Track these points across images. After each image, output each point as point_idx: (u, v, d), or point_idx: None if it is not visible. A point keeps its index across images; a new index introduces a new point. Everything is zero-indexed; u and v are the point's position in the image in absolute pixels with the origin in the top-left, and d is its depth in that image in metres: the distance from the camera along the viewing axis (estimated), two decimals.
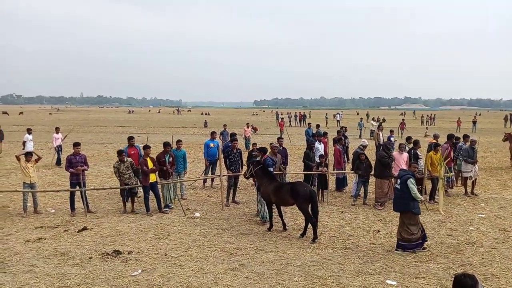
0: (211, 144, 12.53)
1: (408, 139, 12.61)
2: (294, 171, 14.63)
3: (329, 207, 10.59)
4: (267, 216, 8.90)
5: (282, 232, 8.52)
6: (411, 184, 7.40)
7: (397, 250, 7.43)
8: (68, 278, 6.22)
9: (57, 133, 17.48)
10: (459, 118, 44.86)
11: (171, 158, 10.28)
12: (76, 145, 10.20)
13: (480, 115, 75.95)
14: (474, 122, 39.74)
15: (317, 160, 11.93)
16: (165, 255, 7.19)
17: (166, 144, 10.34)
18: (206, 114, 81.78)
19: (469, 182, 12.02)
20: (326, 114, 55.85)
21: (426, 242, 7.53)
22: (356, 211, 10.24)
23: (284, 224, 8.75)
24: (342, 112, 68.32)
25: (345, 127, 20.78)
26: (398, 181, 7.73)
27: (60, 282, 6.11)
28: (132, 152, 10.90)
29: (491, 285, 5.99)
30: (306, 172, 12.45)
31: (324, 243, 7.89)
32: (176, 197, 10.48)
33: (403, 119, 37.63)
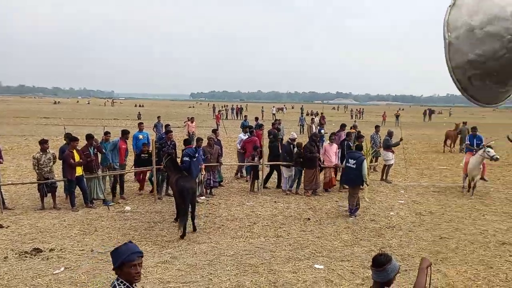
0: (140, 136, 11.99)
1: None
2: (229, 163, 14.70)
3: (263, 197, 10.78)
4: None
5: (215, 223, 8.52)
6: (365, 165, 8.99)
7: (351, 216, 9.00)
8: None
9: None
10: (384, 112, 47.86)
11: (96, 150, 9.79)
12: None
13: (403, 110, 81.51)
14: (397, 116, 42.55)
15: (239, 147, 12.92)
16: (91, 251, 6.86)
17: (89, 137, 9.83)
18: (140, 106, 78.88)
19: (390, 171, 12.97)
20: (263, 107, 56.60)
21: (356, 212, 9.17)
22: (289, 200, 10.54)
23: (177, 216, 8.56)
24: (285, 106, 71.47)
25: (280, 120, 21.20)
26: (352, 160, 9.11)
27: None
28: (122, 147, 10.62)
29: (407, 264, 6.50)
30: (239, 164, 12.78)
31: (257, 232, 8.03)
32: (104, 191, 10.00)
33: (321, 113, 38.42)
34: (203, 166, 10.43)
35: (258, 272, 6.15)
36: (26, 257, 6.55)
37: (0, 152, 9.40)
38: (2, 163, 9.49)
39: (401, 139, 13.01)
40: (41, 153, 9.31)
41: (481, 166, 10.77)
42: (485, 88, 2.03)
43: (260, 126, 16.12)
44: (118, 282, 2.65)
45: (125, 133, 10.81)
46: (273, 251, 7.04)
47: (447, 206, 10.09)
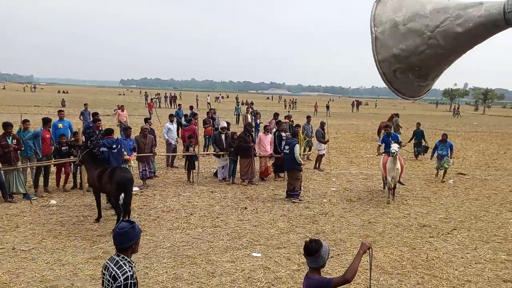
0: (60, 125, 10.99)
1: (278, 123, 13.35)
2: (164, 153, 14.30)
3: (199, 187, 10.66)
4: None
5: (150, 215, 8.26)
6: (297, 148, 9.59)
7: (287, 199, 9.66)
8: None
9: None
10: (316, 103, 49.57)
11: (14, 141, 8.95)
12: None
13: (333, 100, 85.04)
14: (328, 107, 44.43)
15: (171, 140, 12.91)
16: (13, 249, 6.31)
17: (7, 125, 8.95)
18: (64, 92, 73.67)
19: (323, 160, 13.53)
20: (197, 96, 55.77)
21: (300, 196, 9.72)
22: (226, 190, 10.53)
23: (99, 213, 7.96)
24: (221, 95, 70.76)
25: (215, 109, 21.04)
26: (287, 146, 9.74)
27: None
28: (47, 136, 9.80)
29: (340, 249, 6.83)
30: (173, 154, 12.60)
31: (194, 223, 7.93)
32: (24, 184, 9.21)
33: (251, 102, 38.25)
34: (131, 157, 9.98)
35: (196, 263, 6.09)
36: None
37: None
38: None
39: (327, 140, 13.67)
40: None
41: (399, 167, 9.54)
42: (408, 81, 2.15)
43: (194, 115, 15.91)
44: (121, 257, 2.91)
45: (46, 122, 9.99)
46: (210, 241, 7.00)
47: (374, 192, 10.77)
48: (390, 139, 10.91)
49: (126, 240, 2.90)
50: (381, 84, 2.21)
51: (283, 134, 12.06)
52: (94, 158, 8.30)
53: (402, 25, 2.00)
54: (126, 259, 2.91)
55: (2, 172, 8.74)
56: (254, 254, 6.49)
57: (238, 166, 11.42)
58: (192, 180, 11.16)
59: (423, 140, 16.27)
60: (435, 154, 12.65)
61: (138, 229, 2.99)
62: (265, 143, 11.67)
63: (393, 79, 2.14)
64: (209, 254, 6.43)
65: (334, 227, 7.94)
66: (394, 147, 9.45)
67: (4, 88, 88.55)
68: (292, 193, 9.63)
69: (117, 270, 2.82)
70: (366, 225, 8.14)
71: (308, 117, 15.37)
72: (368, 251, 3.34)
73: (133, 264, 2.96)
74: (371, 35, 2.09)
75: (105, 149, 8.64)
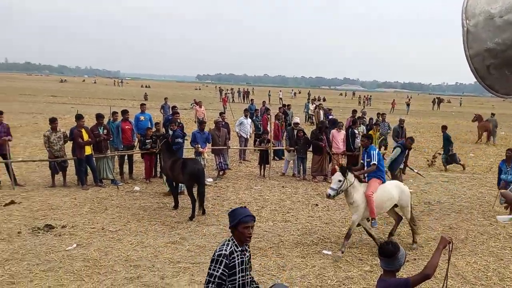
0: (142, 117, 11.74)
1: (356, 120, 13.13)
2: (236, 147, 14.69)
3: (270, 182, 10.80)
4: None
5: (223, 206, 8.56)
6: (394, 153, 9.19)
7: None
8: None
9: None
10: (393, 100, 47.30)
11: (105, 131, 9.80)
12: None
13: (411, 97, 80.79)
14: (408, 104, 42.05)
15: (243, 134, 13.32)
16: (102, 229, 6.94)
17: (99, 116, 9.82)
18: (146, 86, 78.74)
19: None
20: (269, 91, 56.34)
21: None
22: (296, 185, 10.54)
23: (176, 201, 8.38)
24: (293, 91, 71.15)
25: (288, 104, 21.09)
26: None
27: None
28: (126, 127, 10.53)
29: (416, 253, 6.51)
30: (245, 148, 12.87)
31: (265, 216, 8.06)
32: (112, 171, 10.06)
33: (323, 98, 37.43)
34: (204, 150, 10.32)
35: (267, 256, 6.19)
36: (39, 233, 6.65)
37: (8, 129, 9.44)
38: (11, 140, 9.54)
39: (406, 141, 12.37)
40: (51, 131, 9.33)
41: (355, 201, 6.25)
42: (503, 78, 1.99)
43: (266, 110, 16.10)
44: (230, 238, 3.11)
45: (124, 113, 10.68)
46: (281, 235, 7.08)
47: (456, 197, 10.05)
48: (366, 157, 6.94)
49: (230, 218, 3.09)
50: (467, 80, 2.07)
51: (356, 131, 11.74)
52: (169, 148, 8.74)
53: (499, 17, 1.86)
54: (234, 242, 3.07)
55: (94, 159, 9.61)
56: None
57: (309, 163, 11.38)
58: (264, 174, 11.33)
59: (449, 147, 13.41)
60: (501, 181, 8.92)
61: (243, 212, 3.10)
62: (337, 140, 11.45)
63: (486, 75, 2.00)
64: (280, 248, 6.50)
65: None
66: (335, 179, 6.13)
67: (95, 83, 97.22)
68: None
69: (218, 246, 3.07)
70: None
71: (383, 115, 14.88)
72: (448, 246, 3.15)
73: (239, 248, 3.05)
74: (463, 28, 1.97)
75: (180, 140, 9.19)
